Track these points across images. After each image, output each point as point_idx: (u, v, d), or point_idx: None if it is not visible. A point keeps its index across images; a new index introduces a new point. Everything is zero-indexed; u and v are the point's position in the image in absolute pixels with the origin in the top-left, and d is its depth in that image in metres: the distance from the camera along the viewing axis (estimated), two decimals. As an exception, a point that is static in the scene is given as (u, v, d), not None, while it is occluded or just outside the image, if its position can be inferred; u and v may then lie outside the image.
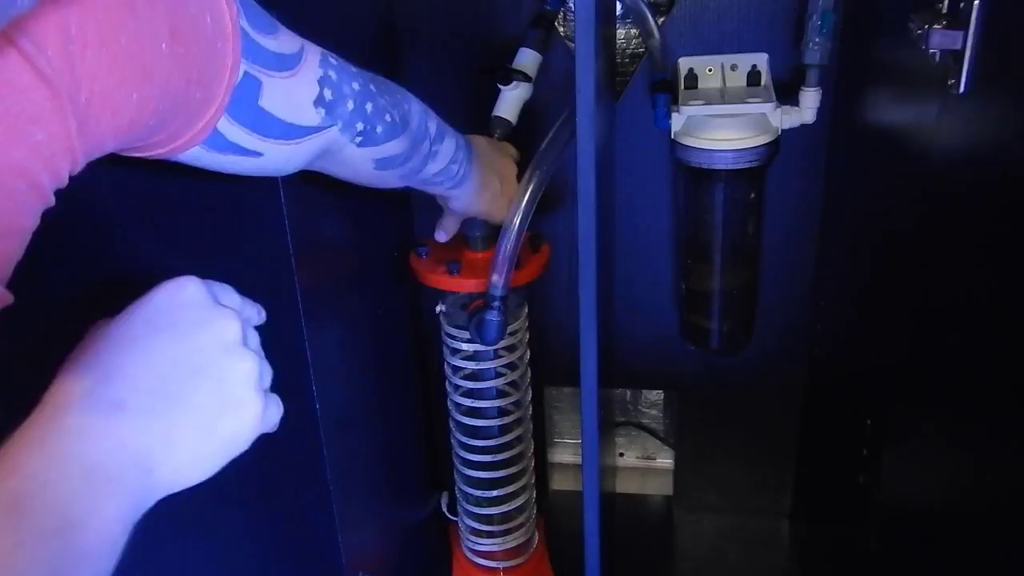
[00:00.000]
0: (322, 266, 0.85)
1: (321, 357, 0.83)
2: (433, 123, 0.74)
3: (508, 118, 0.94)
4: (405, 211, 1.14)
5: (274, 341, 0.79)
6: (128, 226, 0.61)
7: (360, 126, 0.63)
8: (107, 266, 0.59)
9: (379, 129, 0.65)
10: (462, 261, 0.91)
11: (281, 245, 0.77)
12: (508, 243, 0.81)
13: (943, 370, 0.66)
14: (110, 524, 0.38)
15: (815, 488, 1.16)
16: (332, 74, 0.59)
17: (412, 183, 0.78)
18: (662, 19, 0.98)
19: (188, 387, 0.42)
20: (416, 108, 0.71)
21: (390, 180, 0.74)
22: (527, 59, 0.95)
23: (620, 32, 1.03)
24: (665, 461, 1.39)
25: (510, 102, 0.94)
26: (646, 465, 1.42)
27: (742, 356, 1.13)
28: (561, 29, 1.01)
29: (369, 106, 0.63)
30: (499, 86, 0.94)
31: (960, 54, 0.57)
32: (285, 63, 0.54)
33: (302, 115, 0.57)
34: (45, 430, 0.38)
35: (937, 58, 0.61)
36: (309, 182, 0.82)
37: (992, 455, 0.57)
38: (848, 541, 0.94)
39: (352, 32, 0.91)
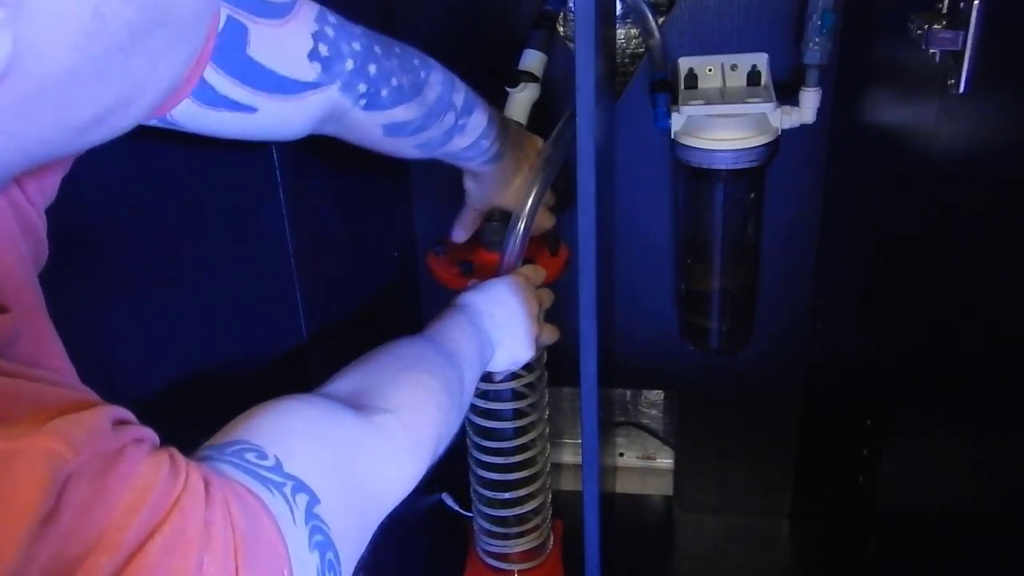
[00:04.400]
0: (322, 266, 0.85)
1: (321, 358, 0.83)
2: (459, 95, 0.72)
3: (518, 119, 0.94)
4: (405, 211, 1.14)
5: (274, 341, 0.80)
6: (128, 226, 0.61)
7: (363, 88, 0.62)
8: (107, 266, 0.59)
9: (384, 93, 0.64)
10: (476, 262, 0.90)
11: (281, 245, 0.77)
12: (514, 246, 0.80)
13: (943, 370, 0.66)
14: (469, 351, 0.68)
15: (815, 488, 1.16)
16: (329, 31, 0.58)
17: (438, 155, 0.76)
18: (662, 19, 0.98)
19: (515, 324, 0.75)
20: (437, 78, 0.69)
21: (406, 149, 0.72)
22: (532, 60, 0.94)
23: (620, 32, 1.03)
24: (665, 461, 1.39)
25: (519, 104, 0.94)
26: (646, 465, 1.42)
27: (742, 356, 1.13)
28: (561, 29, 1.01)
29: (372, 68, 0.62)
30: (507, 89, 0.94)
31: (960, 54, 0.58)
32: (273, 11, 0.53)
33: (296, 68, 0.56)
34: (457, 310, 0.72)
35: (937, 58, 0.61)
36: (309, 182, 0.82)
37: (992, 455, 0.57)
38: (848, 541, 0.94)
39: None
